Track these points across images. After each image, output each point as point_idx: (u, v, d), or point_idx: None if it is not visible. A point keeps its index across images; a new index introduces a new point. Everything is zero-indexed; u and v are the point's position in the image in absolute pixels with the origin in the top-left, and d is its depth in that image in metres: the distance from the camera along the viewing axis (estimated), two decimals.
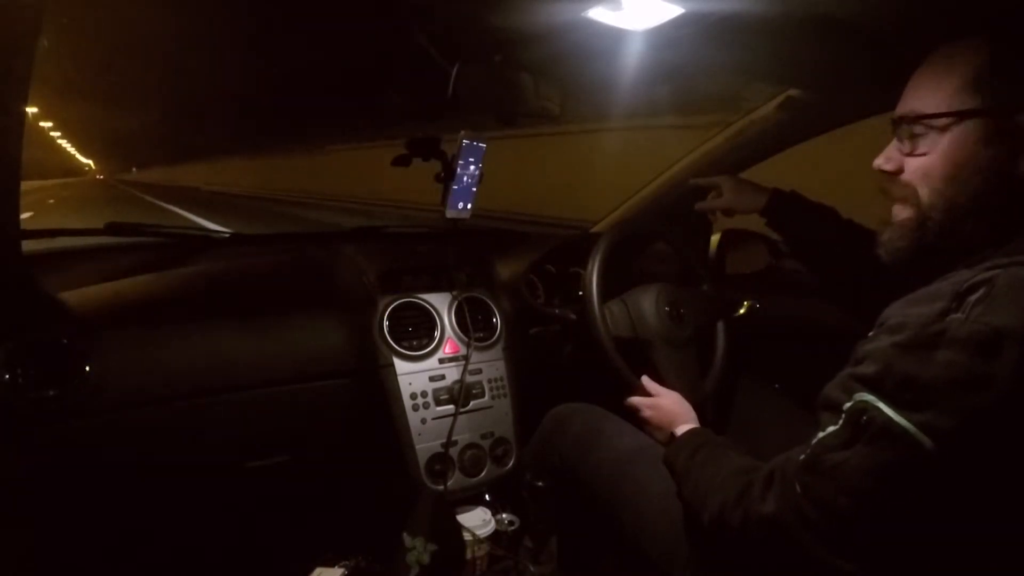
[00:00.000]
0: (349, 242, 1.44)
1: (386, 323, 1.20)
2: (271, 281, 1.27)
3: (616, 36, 0.93)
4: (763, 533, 0.64)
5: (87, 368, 0.95)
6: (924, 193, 0.66)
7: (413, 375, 1.19)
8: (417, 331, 1.23)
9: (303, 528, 1.18)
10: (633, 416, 1.10)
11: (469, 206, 1.15)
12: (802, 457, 0.61)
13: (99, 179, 56.37)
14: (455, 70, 0.99)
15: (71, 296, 1.05)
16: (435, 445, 1.18)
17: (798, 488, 0.60)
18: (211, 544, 1.14)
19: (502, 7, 0.92)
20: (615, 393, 1.14)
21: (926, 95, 0.66)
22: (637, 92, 1.24)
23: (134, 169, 58.43)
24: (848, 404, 0.58)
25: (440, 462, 1.18)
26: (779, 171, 1.37)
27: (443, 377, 1.22)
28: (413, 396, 1.18)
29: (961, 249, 0.64)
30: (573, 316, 1.33)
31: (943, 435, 0.52)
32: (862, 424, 0.56)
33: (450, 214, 1.13)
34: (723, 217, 1.27)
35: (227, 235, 1.50)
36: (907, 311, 0.58)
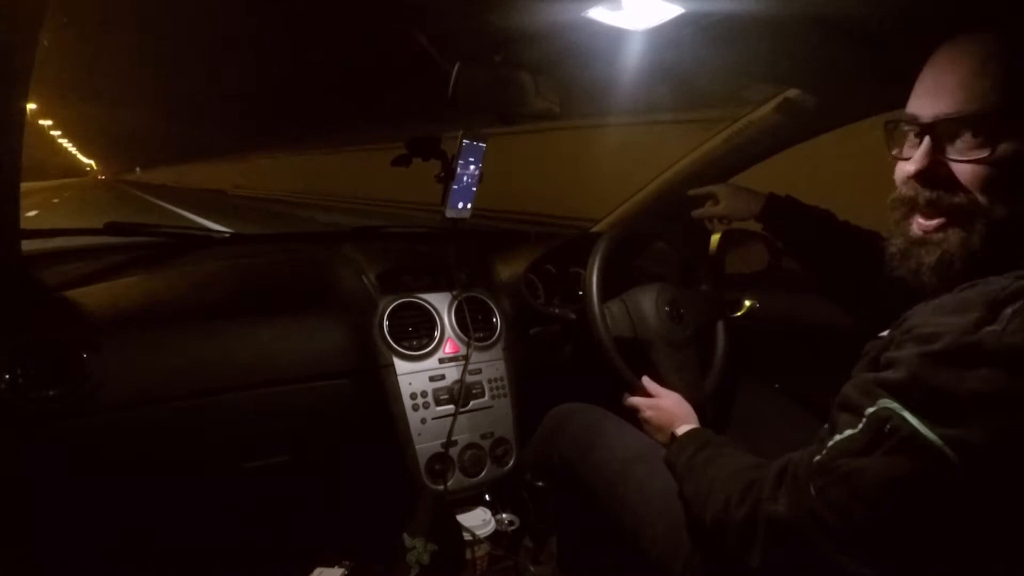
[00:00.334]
0: (349, 242, 1.44)
1: (386, 323, 1.20)
2: (271, 281, 1.27)
3: (616, 36, 0.93)
4: (772, 532, 0.63)
5: (87, 368, 0.95)
6: (983, 202, 0.60)
7: (413, 375, 1.19)
8: (417, 331, 1.23)
9: (303, 528, 1.18)
10: (633, 416, 1.10)
11: (469, 206, 1.15)
12: (817, 458, 0.60)
13: (101, 179, 55.66)
14: (455, 70, 0.99)
15: (71, 296, 1.05)
16: (435, 445, 1.18)
17: (812, 490, 0.59)
18: (211, 544, 1.14)
19: (502, 7, 0.92)
20: (615, 393, 1.14)
21: (972, 89, 0.60)
22: (637, 92, 1.24)
23: (138, 169, 56.49)
24: (871, 409, 0.57)
25: (440, 462, 1.18)
26: (779, 172, 1.38)
27: (443, 377, 1.22)
28: (413, 396, 1.18)
29: (1003, 256, 0.59)
30: (573, 316, 1.33)
31: (970, 450, 0.51)
32: (885, 432, 0.55)
33: (450, 214, 1.13)
34: (720, 223, 1.28)
35: (227, 235, 1.51)
36: (938, 320, 0.56)
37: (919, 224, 0.65)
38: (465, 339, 1.25)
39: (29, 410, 0.91)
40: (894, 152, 0.68)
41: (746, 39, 0.95)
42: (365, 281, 1.25)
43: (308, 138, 16.68)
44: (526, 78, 1.09)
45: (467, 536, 1.11)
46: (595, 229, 1.68)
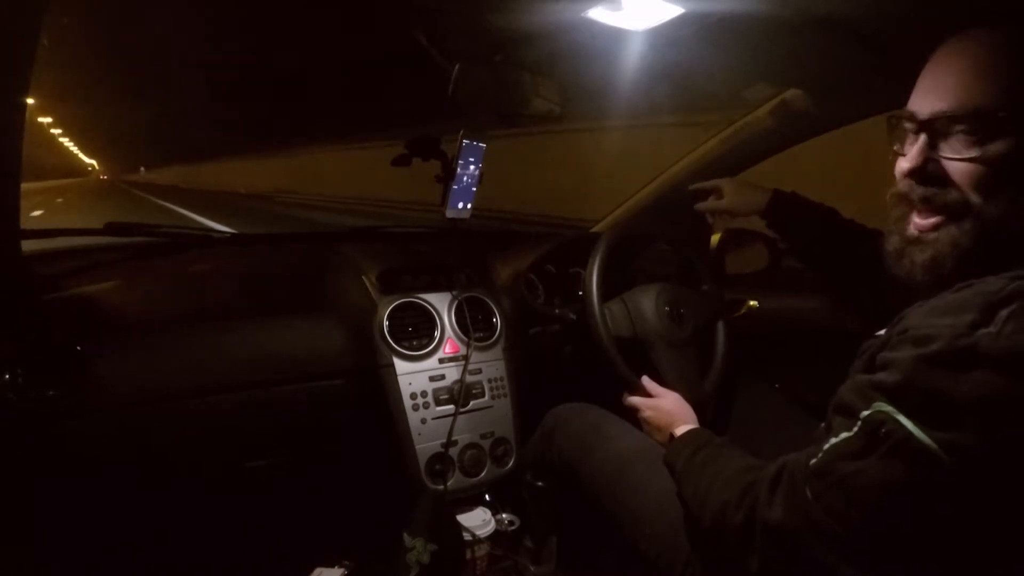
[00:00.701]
0: (349, 242, 1.44)
1: (386, 323, 1.20)
2: (271, 281, 1.27)
3: (616, 36, 0.93)
4: (769, 537, 0.63)
5: (87, 368, 0.95)
6: (975, 200, 0.60)
7: (413, 375, 1.19)
8: (417, 331, 1.23)
9: (303, 528, 1.18)
10: (633, 416, 1.10)
11: (469, 206, 1.15)
12: (813, 461, 0.60)
13: (103, 179, 54.84)
14: (455, 70, 0.99)
15: (71, 296, 1.05)
16: (435, 445, 1.18)
17: (808, 494, 0.59)
18: (211, 544, 1.14)
19: (502, 7, 0.92)
20: (615, 393, 1.14)
21: (968, 88, 0.60)
22: (637, 92, 1.24)
23: (142, 169, 54.50)
24: (866, 412, 0.56)
25: (440, 462, 1.18)
26: (780, 172, 1.37)
27: (443, 377, 1.22)
28: (413, 396, 1.18)
29: (996, 255, 0.59)
30: (573, 316, 1.33)
31: (965, 454, 0.51)
32: (880, 436, 0.55)
33: (450, 214, 1.13)
34: (722, 217, 1.27)
35: (227, 235, 1.51)
36: (933, 321, 0.56)
37: (915, 224, 0.65)
38: (465, 339, 1.25)
39: (29, 410, 0.91)
40: (895, 148, 0.68)
41: (746, 39, 0.95)
42: (365, 281, 1.25)
43: (320, 135, 16.21)
44: (526, 78, 1.10)
45: (467, 536, 1.11)
46: (595, 229, 1.68)
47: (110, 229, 1.25)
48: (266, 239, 1.54)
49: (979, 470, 0.52)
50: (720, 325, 1.28)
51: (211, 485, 1.11)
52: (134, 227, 1.27)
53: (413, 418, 1.17)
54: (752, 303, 1.46)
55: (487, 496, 1.24)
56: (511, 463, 1.26)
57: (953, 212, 0.61)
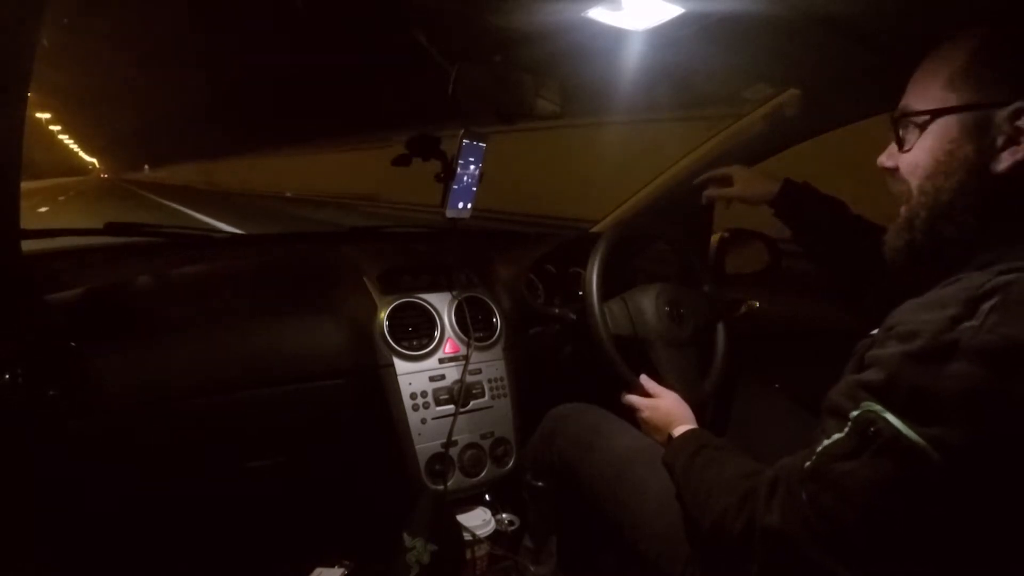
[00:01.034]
0: (349, 242, 1.44)
1: (386, 323, 1.20)
2: (271, 281, 1.27)
3: (616, 36, 0.93)
4: (768, 542, 0.63)
5: (87, 368, 0.95)
6: (914, 189, 0.66)
7: (413, 375, 1.19)
8: (417, 331, 1.23)
9: (303, 528, 1.18)
10: (632, 416, 1.10)
11: (469, 206, 1.15)
12: (807, 464, 0.60)
13: (104, 178, 53.96)
14: (455, 70, 0.99)
15: (71, 296, 1.05)
16: (435, 445, 1.18)
17: (804, 496, 0.59)
18: (211, 544, 1.14)
19: (502, 7, 0.92)
20: (615, 393, 1.14)
21: (916, 93, 0.67)
22: (637, 92, 1.24)
23: (147, 167, 52.63)
24: (855, 412, 0.57)
25: (440, 462, 1.18)
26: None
27: (443, 377, 1.22)
28: (413, 396, 1.18)
29: (950, 249, 0.63)
30: (573, 316, 1.33)
31: (953, 450, 0.51)
32: (869, 435, 0.55)
33: (450, 214, 1.13)
34: (723, 217, 1.27)
35: (227, 235, 1.51)
36: (917, 317, 0.56)
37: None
38: (465, 339, 1.25)
39: (29, 410, 0.91)
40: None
41: (746, 39, 0.95)
42: (365, 281, 1.25)
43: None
44: (526, 78, 1.09)
45: (467, 536, 1.11)
46: (595, 229, 1.68)
47: (110, 229, 1.25)
48: (266, 239, 1.55)
49: (969, 465, 0.52)
50: (720, 325, 1.28)
51: (211, 485, 1.11)
52: (134, 227, 1.27)
53: (413, 418, 1.17)
54: (752, 303, 1.46)
55: (487, 496, 1.24)
56: (511, 463, 1.26)
57: (902, 199, 0.68)
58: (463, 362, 1.23)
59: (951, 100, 0.63)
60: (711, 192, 1.25)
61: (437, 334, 1.24)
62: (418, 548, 1.01)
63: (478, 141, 1.12)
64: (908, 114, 0.67)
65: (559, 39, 1.00)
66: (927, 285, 0.62)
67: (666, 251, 1.45)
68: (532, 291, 1.43)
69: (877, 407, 0.55)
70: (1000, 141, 0.61)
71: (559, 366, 1.39)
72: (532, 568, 1.12)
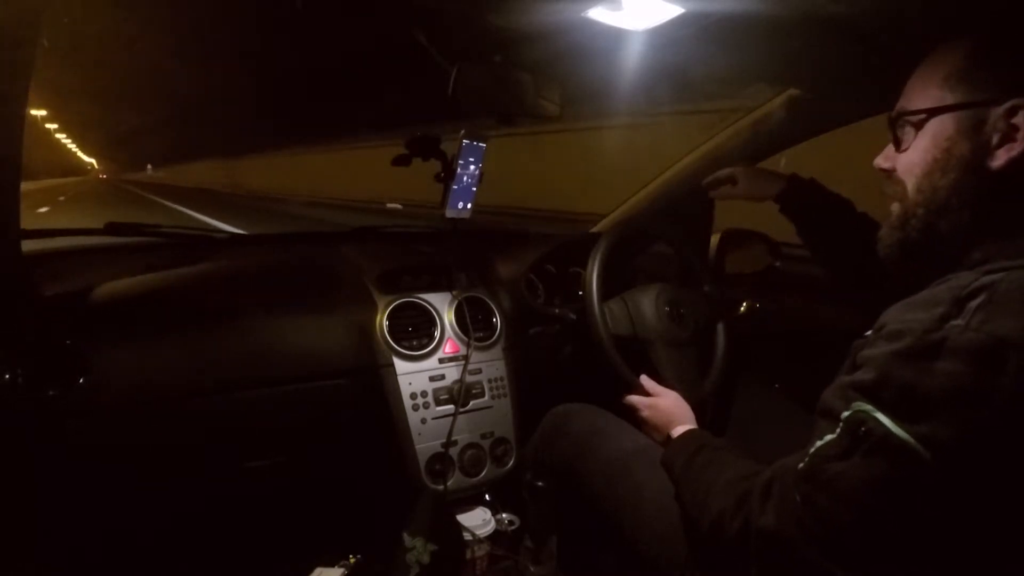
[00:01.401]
0: (349, 242, 1.44)
1: (386, 323, 1.20)
2: (271, 281, 1.27)
3: (616, 36, 0.93)
4: (764, 544, 0.63)
5: (87, 368, 0.95)
6: (910, 189, 0.67)
7: (413, 375, 1.19)
8: (417, 331, 1.23)
9: (303, 528, 1.18)
10: (632, 416, 1.10)
11: (469, 206, 1.15)
12: (800, 466, 0.60)
13: (102, 179, 52.64)
14: (455, 70, 0.99)
15: (71, 296, 1.05)
16: (435, 445, 1.18)
17: (798, 498, 0.59)
18: (211, 544, 1.14)
19: (502, 7, 0.92)
20: (615, 393, 1.14)
21: (912, 94, 0.68)
22: (637, 92, 1.24)
23: (149, 167, 49.64)
24: (846, 413, 0.57)
25: (440, 462, 1.18)
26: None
27: (443, 377, 1.22)
28: (413, 396, 1.18)
29: (945, 247, 0.64)
30: (573, 316, 1.33)
31: (943, 447, 0.51)
32: (860, 435, 0.55)
33: (450, 214, 1.13)
34: (723, 217, 1.27)
35: (227, 235, 1.51)
36: (905, 316, 0.57)
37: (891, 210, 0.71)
38: (465, 339, 1.25)
39: (29, 410, 0.91)
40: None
41: (746, 39, 0.95)
42: (365, 281, 1.25)
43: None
44: (526, 78, 1.09)
45: (467, 536, 1.11)
46: (595, 229, 1.68)
47: (110, 229, 1.25)
48: (266, 239, 1.54)
49: (960, 463, 0.52)
50: (720, 325, 1.28)
51: (211, 485, 1.11)
52: (134, 227, 1.27)
53: (413, 418, 1.17)
54: (752, 303, 1.46)
55: (487, 496, 1.24)
56: (511, 463, 1.26)
57: (897, 198, 0.69)
58: (463, 362, 1.23)
59: (947, 99, 0.64)
60: (715, 194, 1.25)
61: (437, 334, 1.24)
62: (418, 548, 1.01)
63: (478, 141, 1.12)
64: (905, 114, 0.68)
65: (559, 39, 1.00)
66: (922, 284, 0.62)
67: (666, 251, 1.46)
68: (532, 291, 1.43)
69: (867, 407, 0.55)
70: (995, 138, 0.61)
71: (559, 366, 1.39)
72: (532, 568, 1.12)
